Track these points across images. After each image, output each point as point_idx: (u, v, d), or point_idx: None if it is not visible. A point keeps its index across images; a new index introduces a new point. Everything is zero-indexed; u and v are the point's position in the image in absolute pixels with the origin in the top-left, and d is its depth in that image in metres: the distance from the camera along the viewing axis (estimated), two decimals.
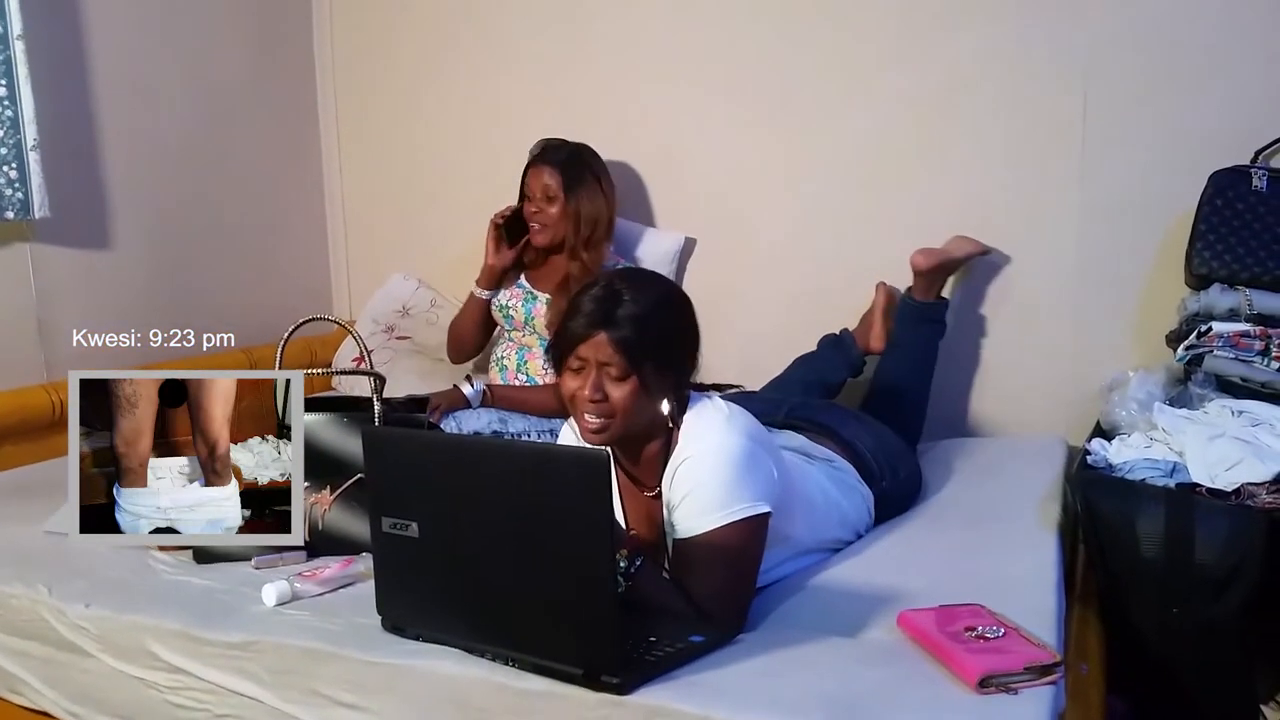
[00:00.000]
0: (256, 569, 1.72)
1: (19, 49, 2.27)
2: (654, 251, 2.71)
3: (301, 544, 1.75)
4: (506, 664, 1.32)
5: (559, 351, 1.54)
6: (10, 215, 2.30)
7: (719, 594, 1.45)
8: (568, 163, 2.43)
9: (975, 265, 2.48)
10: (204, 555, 1.76)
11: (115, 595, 1.63)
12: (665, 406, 1.53)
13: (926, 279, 2.35)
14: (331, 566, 1.65)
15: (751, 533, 1.48)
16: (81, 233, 2.53)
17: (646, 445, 1.56)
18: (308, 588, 1.60)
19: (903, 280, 2.48)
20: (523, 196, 2.50)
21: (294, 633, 1.48)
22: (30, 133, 2.30)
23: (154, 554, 1.79)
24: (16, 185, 2.30)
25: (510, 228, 2.52)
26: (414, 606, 1.43)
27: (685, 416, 1.54)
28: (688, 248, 2.77)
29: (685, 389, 1.57)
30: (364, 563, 1.66)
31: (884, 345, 2.39)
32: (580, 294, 1.54)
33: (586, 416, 1.50)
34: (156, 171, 2.71)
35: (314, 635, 1.46)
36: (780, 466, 1.57)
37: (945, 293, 2.45)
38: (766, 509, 1.48)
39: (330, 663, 1.42)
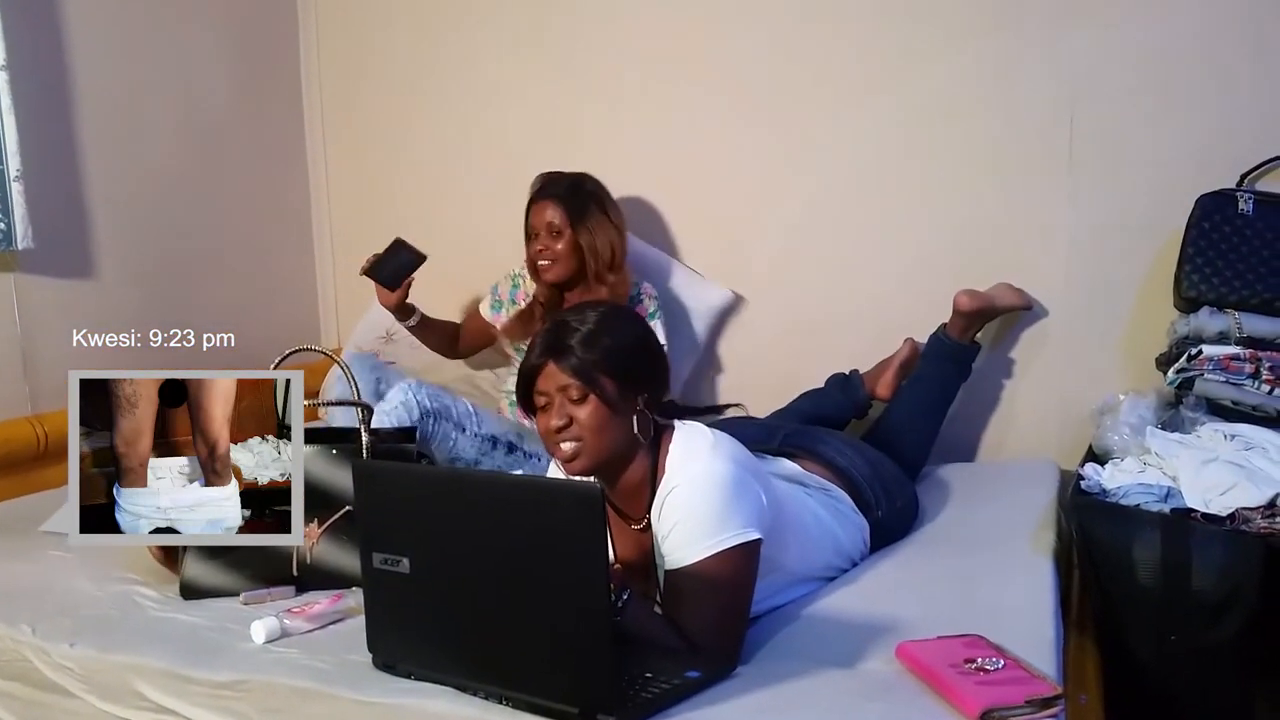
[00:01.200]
0: (244, 605, 1.69)
1: (2, 79, 2.26)
2: (699, 304, 2.67)
3: (293, 574, 1.73)
4: (500, 703, 1.30)
5: (523, 395, 1.56)
6: None
7: (712, 625, 1.43)
8: (570, 195, 2.38)
9: None
10: (191, 591, 1.73)
11: (100, 634, 1.60)
12: (635, 424, 1.51)
13: (965, 320, 2.34)
14: (321, 602, 1.63)
15: (743, 561, 1.46)
16: (66, 264, 2.51)
17: (626, 473, 1.55)
18: (297, 624, 1.58)
19: (897, 306, 2.49)
20: (529, 235, 2.44)
21: (284, 671, 1.45)
22: (13, 164, 2.28)
23: (140, 590, 1.76)
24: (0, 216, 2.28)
25: (385, 269, 2.44)
26: (405, 644, 1.41)
27: (671, 445, 1.54)
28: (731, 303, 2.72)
29: (659, 409, 1.56)
30: (353, 598, 1.64)
31: (890, 394, 2.38)
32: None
33: (560, 446, 1.52)
34: (142, 201, 2.69)
35: (304, 674, 1.43)
36: (770, 493, 1.56)
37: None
38: (757, 535, 1.47)
39: (321, 702, 1.39)
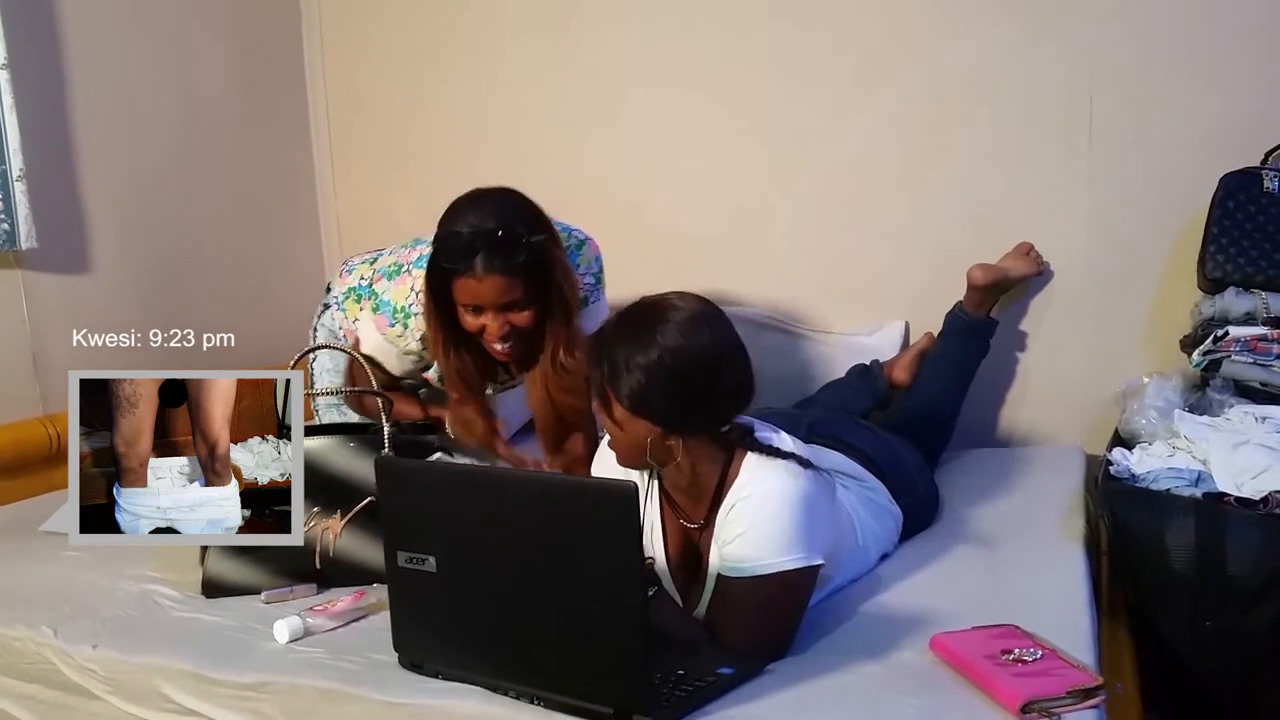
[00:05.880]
0: (267, 603, 1.68)
1: (3, 78, 2.23)
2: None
3: (316, 568, 1.72)
4: (532, 703, 1.28)
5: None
6: None
7: (757, 641, 1.39)
8: (528, 259, 1.72)
9: None
10: (213, 588, 1.72)
11: (123, 635, 1.59)
12: (649, 450, 1.45)
13: (980, 294, 2.33)
14: (344, 600, 1.61)
15: (802, 585, 1.42)
16: (71, 263, 2.49)
17: (684, 473, 1.49)
18: (320, 623, 1.56)
19: (915, 290, 2.47)
20: (454, 304, 1.78)
21: (309, 672, 1.43)
22: (15, 162, 2.26)
23: (160, 589, 1.75)
24: (2, 216, 2.26)
25: None
26: (433, 643, 1.39)
27: (746, 458, 1.46)
28: None
29: (724, 432, 1.49)
30: (375, 594, 1.62)
31: (908, 379, 2.36)
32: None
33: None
34: (147, 198, 2.67)
35: (330, 674, 1.42)
36: (837, 518, 1.52)
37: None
38: (820, 562, 1.42)
39: (348, 703, 1.37)
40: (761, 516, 1.40)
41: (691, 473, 1.48)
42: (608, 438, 1.52)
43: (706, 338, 1.42)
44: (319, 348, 1.93)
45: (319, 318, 2.07)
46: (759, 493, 1.41)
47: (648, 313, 1.43)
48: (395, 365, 1.95)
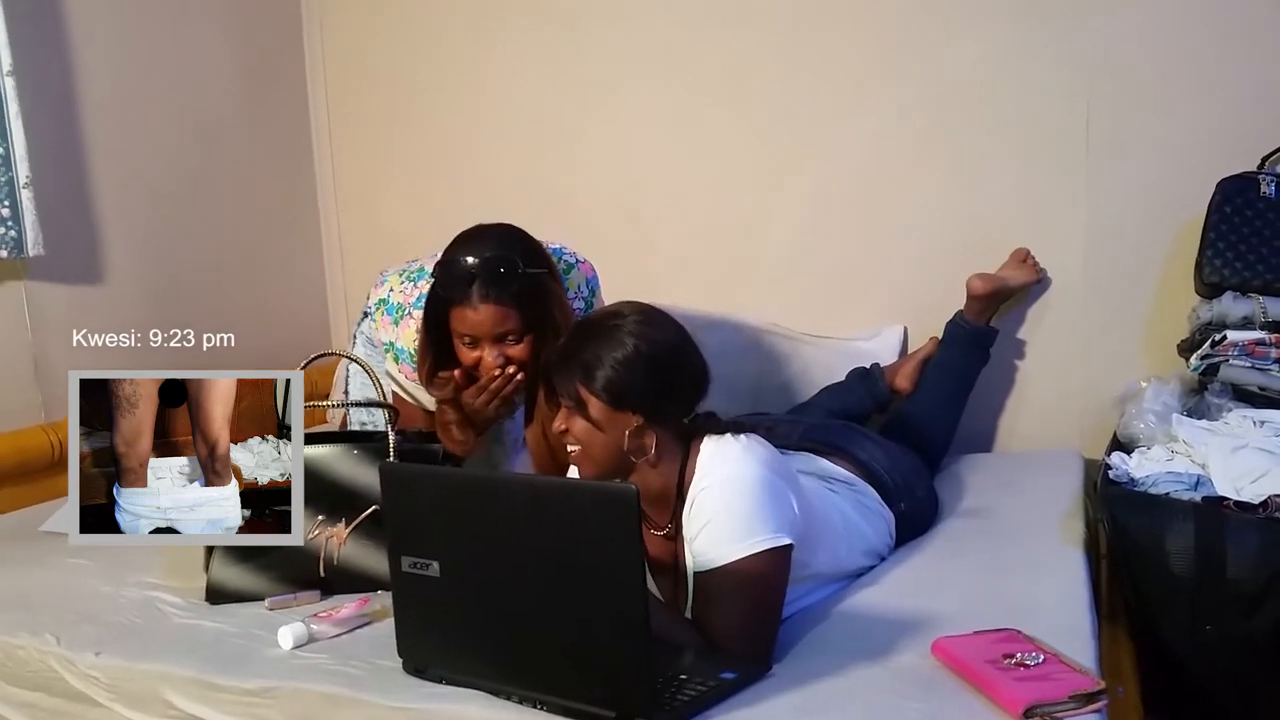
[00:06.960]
0: (270, 610, 1.68)
1: (9, 85, 2.25)
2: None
3: (320, 576, 1.72)
4: (535, 707, 1.28)
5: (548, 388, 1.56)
6: (3, 254, 2.27)
7: (743, 629, 1.41)
8: (524, 290, 1.73)
9: None
10: (217, 595, 1.72)
11: (126, 642, 1.59)
12: (626, 442, 1.49)
13: (980, 303, 2.34)
14: (348, 606, 1.61)
15: (774, 565, 1.44)
16: (76, 271, 2.50)
17: (646, 479, 1.52)
18: (325, 629, 1.56)
19: (914, 295, 2.47)
20: (449, 334, 1.80)
21: (313, 677, 1.43)
22: (22, 170, 2.27)
23: (163, 596, 1.75)
24: (9, 224, 2.26)
25: None
26: (437, 648, 1.39)
27: (701, 449, 1.51)
28: None
29: (683, 424, 1.54)
30: (380, 601, 1.62)
31: (910, 386, 2.37)
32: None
33: (566, 449, 1.53)
34: (151, 204, 2.68)
35: (334, 680, 1.42)
36: (801, 499, 1.54)
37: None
38: (788, 541, 1.45)
39: (352, 708, 1.38)
40: (720, 506, 1.44)
41: (657, 472, 1.52)
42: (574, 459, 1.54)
43: (667, 326, 1.54)
44: (349, 357, 1.95)
45: (358, 325, 2.17)
46: (715, 482, 1.46)
47: (600, 320, 1.53)
48: (429, 400, 1.97)
